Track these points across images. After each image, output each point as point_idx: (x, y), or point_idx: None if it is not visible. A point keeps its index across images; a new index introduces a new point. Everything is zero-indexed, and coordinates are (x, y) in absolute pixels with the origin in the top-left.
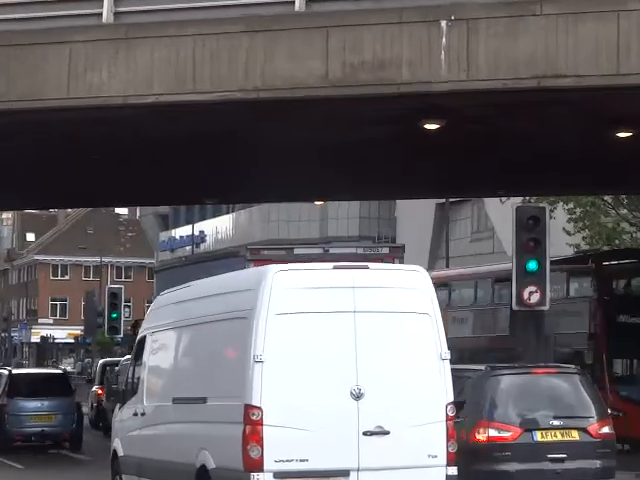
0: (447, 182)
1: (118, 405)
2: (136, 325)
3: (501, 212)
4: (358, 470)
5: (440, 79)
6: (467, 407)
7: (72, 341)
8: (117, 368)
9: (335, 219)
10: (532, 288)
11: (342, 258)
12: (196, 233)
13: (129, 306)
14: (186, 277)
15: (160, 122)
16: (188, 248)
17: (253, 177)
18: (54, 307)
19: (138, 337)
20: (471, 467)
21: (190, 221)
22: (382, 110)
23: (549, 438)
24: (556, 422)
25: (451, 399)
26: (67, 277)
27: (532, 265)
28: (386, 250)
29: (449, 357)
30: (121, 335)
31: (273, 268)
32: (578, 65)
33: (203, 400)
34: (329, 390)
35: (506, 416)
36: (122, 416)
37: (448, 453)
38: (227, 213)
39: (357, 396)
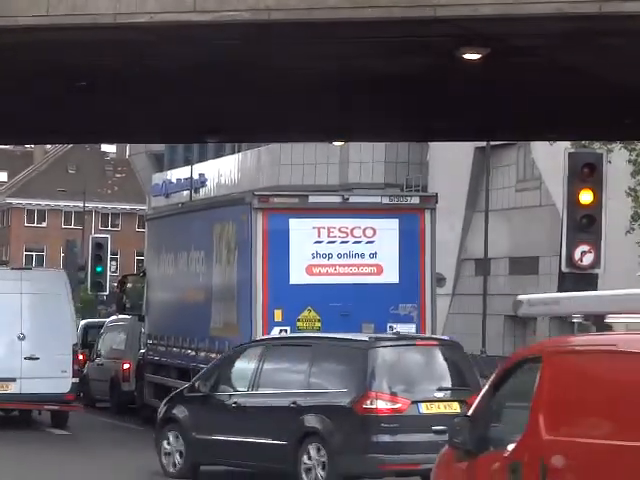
0: (488, 122)
1: None
2: (124, 281)
3: (550, 158)
4: (21, 378)
5: (483, 1)
6: (350, 377)
7: None
8: (102, 331)
9: (357, 163)
10: (585, 247)
11: (364, 207)
12: (195, 176)
13: (116, 259)
14: (182, 227)
15: (155, 46)
16: (185, 193)
17: (262, 112)
18: (29, 258)
19: None
20: (357, 437)
21: (188, 162)
22: (414, 37)
23: (433, 410)
24: (439, 394)
25: (75, 341)
26: (44, 224)
27: (586, 220)
28: (416, 200)
29: (74, 318)
30: (106, 292)
31: None
32: None
33: None
34: (5, 335)
35: (393, 388)
36: None
37: (74, 370)
38: (232, 154)
39: (21, 338)
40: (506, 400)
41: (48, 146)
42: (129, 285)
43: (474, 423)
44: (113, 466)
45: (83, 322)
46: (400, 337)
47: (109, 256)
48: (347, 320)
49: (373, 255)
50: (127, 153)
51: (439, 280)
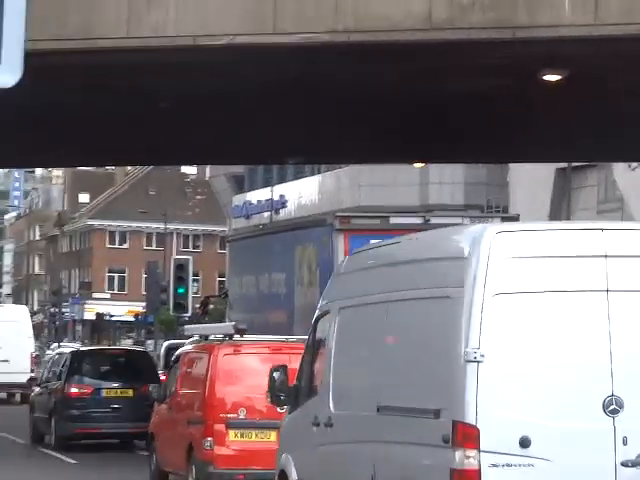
0: (570, 143)
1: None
2: (206, 303)
3: (632, 179)
4: None
5: (562, 22)
6: (61, 375)
7: (131, 319)
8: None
9: (437, 184)
10: None
11: None
12: (275, 197)
13: (197, 280)
14: (264, 248)
15: (235, 67)
16: (266, 215)
17: (341, 134)
18: (111, 280)
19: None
20: (65, 411)
21: (268, 183)
22: (494, 58)
23: (111, 394)
24: (116, 384)
25: (32, 350)
26: (126, 245)
27: None
28: (497, 221)
29: (30, 336)
30: (189, 314)
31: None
32: None
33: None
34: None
35: (84, 380)
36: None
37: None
38: (311, 175)
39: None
40: (178, 374)
41: (129, 168)
42: (211, 306)
43: (161, 387)
44: None
45: (166, 343)
46: (96, 349)
47: (191, 277)
48: None
49: None
50: (207, 175)
51: None
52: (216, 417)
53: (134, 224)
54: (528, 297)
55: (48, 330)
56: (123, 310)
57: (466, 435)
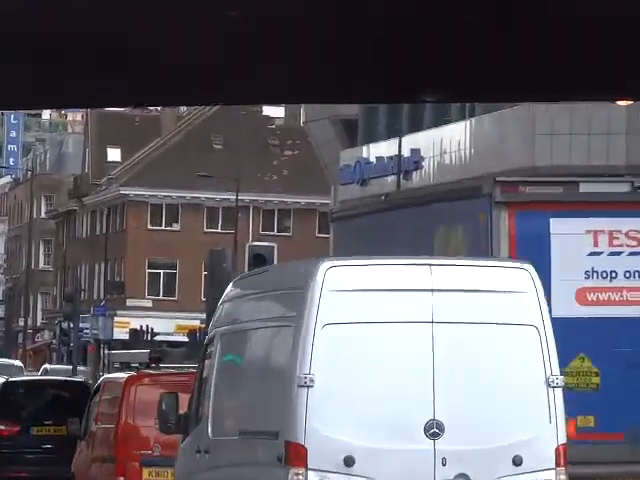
0: None
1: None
2: None
3: None
4: None
5: None
6: None
7: (184, 339)
8: None
9: None
10: None
11: None
12: (405, 153)
13: None
14: (387, 230)
15: None
16: (390, 179)
17: (506, 56)
18: (154, 279)
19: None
20: None
21: (394, 132)
22: None
23: (43, 432)
24: (48, 421)
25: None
26: (177, 226)
27: None
28: None
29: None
30: None
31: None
32: None
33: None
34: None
35: (11, 416)
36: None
37: None
38: (461, 120)
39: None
40: (96, 407)
41: (182, 109)
42: None
43: (80, 422)
44: None
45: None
46: (29, 379)
47: None
48: None
49: None
50: (302, 118)
51: None
52: (129, 454)
53: (189, 194)
54: (356, 327)
55: (58, 355)
56: (171, 325)
57: (296, 454)
